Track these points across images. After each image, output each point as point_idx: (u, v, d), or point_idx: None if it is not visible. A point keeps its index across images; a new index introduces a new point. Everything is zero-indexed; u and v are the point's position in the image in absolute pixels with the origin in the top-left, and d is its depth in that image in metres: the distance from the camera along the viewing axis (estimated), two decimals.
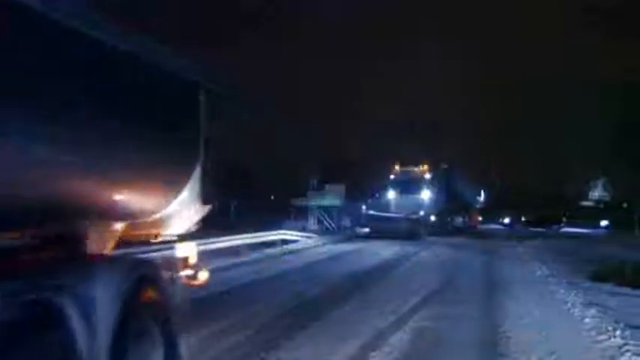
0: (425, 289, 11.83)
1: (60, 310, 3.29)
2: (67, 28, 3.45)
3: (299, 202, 36.41)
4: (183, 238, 5.58)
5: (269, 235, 23.15)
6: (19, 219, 3.44)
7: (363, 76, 59.29)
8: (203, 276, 5.59)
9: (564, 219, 50.92)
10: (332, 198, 35.36)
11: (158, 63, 4.67)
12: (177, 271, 5.18)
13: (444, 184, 36.69)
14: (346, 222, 35.58)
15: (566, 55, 58.72)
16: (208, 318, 7.98)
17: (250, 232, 21.42)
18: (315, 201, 35.64)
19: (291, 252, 20.72)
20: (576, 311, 9.78)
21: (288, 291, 11.14)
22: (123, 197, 4.41)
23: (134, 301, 3.83)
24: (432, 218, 34.22)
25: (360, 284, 12.56)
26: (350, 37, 64.04)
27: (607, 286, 12.88)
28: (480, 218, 49.53)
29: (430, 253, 21.99)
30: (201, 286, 5.68)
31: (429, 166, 36.19)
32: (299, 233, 26.94)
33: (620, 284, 12.97)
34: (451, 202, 37.66)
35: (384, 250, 21.56)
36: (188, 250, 5.53)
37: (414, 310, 9.63)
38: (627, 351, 6.99)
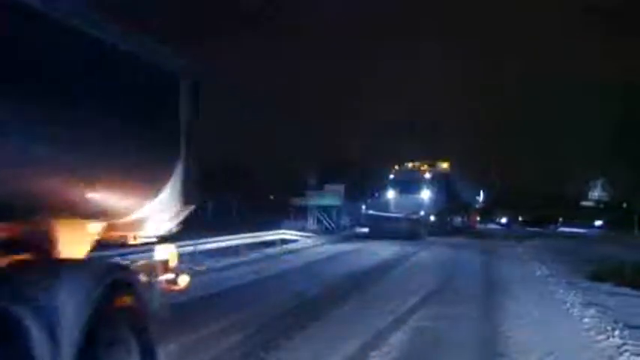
0: (424, 289, 11.84)
1: (17, 321, 3.06)
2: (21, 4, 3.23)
3: (298, 201, 36.40)
4: (164, 239, 5.28)
5: (268, 235, 23.14)
6: None
7: (363, 76, 59.41)
8: (184, 280, 5.30)
9: (561, 219, 51.08)
10: (331, 198, 35.35)
11: (133, 51, 4.36)
12: (156, 276, 4.91)
13: (443, 184, 36.69)
14: (345, 222, 35.61)
15: (566, 55, 58.84)
16: (208, 318, 8.00)
17: (249, 232, 21.41)
18: (314, 201, 35.62)
19: (290, 252, 20.71)
20: (575, 311, 9.80)
21: (287, 291, 11.14)
22: (96, 195, 4.12)
23: (106, 308, 3.55)
24: (432, 218, 34.24)
25: (359, 284, 12.56)
26: (350, 37, 64.19)
27: (606, 286, 12.91)
28: (478, 218, 49.60)
29: (430, 253, 21.99)
30: (182, 291, 5.38)
31: (429, 166, 36.21)
32: (298, 233, 26.93)
33: (619, 284, 13.00)
34: (451, 202, 37.67)
35: (384, 250, 21.56)
36: (168, 253, 5.23)
37: (413, 310, 9.64)
38: (626, 351, 7.00)
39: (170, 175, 4.92)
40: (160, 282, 4.95)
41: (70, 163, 3.69)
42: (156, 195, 4.80)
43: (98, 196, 4.16)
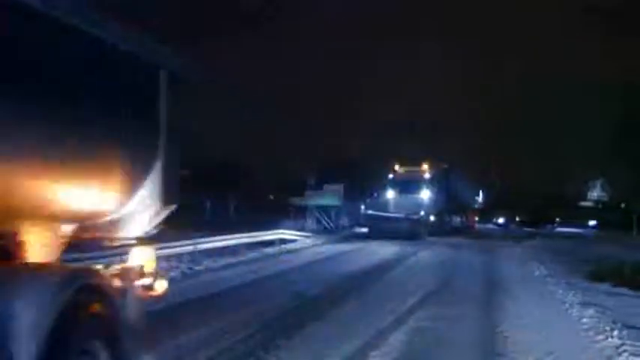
0: (424, 289, 11.84)
1: None
2: None
3: (298, 201, 36.39)
4: (143, 241, 4.91)
5: (267, 235, 23.13)
6: None
7: (363, 76, 59.31)
8: (161, 286, 4.89)
9: (558, 219, 51.18)
10: (331, 198, 35.33)
11: (110, 40, 4.13)
12: (131, 281, 4.51)
13: (443, 184, 36.68)
14: (345, 222, 35.60)
15: (566, 55, 58.82)
16: (208, 318, 8.01)
17: (248, 232, 21.39)
18: (313, 200, 35.61)
19: (289, 251, 20.70)
20: (574, 311, 9.81)
21: (286, 291, 11.13)
22: (66, 195, 3.85)
23: (72, 317, 3.23)
24: (432, 218, 34.24)
25: (359, 284, 12.56)
26: (350, 37, 64.16)
27: (605, 287, 12.93)
28: (477, 218, 49.64)
29: (429, 253, 21.99)
30: (159, 298, 4.99)
31: (429, 166, 36.20)
32: (297, 233, 26.91)
33: (618, 284, 13.01)
34: (450, 202, 37.67)
35: (383, 250, 21.56)
36: (145, 257, 4.82)
37: (413, 310, 9.64)
38: (625, 351, 7.01)
39: (148, 173, 4.69)
40: (136, 288, 4.56)
41: (40, 160, 3.50)
42: (133, 194, 4.56)
43: (70, 196, 3.91)
